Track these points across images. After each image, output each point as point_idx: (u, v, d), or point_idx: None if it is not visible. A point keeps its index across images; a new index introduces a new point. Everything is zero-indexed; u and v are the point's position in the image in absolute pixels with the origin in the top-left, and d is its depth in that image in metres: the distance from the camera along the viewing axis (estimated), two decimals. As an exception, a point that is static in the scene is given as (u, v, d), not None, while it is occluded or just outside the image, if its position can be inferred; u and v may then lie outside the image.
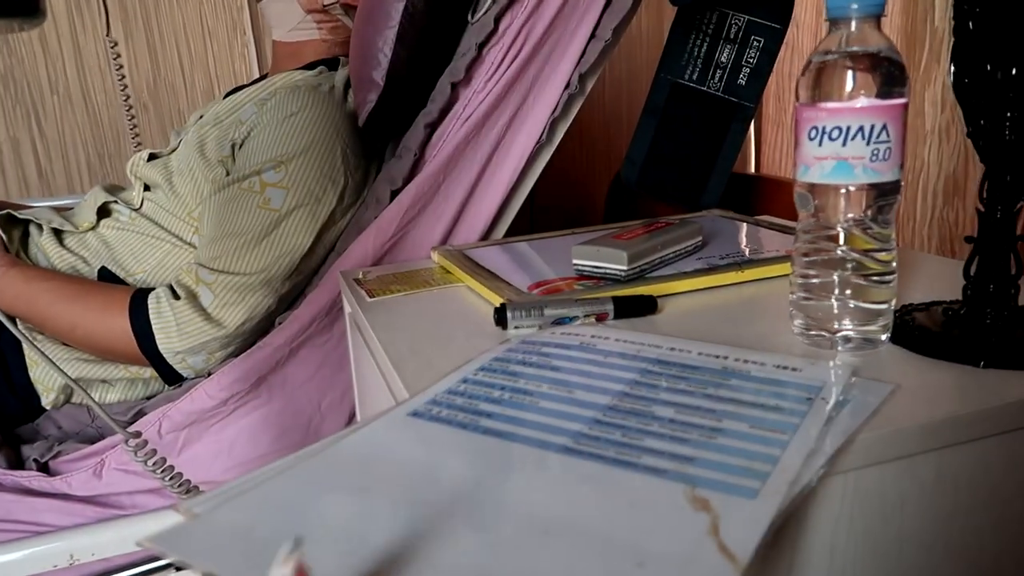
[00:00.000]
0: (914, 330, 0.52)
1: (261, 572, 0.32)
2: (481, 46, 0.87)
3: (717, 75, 1.02)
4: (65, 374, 0.62)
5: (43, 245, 1.02)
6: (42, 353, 0.64)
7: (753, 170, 1.78)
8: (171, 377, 0.94)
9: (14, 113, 1.56)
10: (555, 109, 0.88)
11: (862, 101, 0.47)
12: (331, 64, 1.09)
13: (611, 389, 0.46)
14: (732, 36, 1.00)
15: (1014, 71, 0.47)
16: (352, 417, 0.93)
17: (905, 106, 0.47)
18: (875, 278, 0.50)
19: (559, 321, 0.59)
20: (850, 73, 0.47)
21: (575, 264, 0.68)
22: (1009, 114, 0.48)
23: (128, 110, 1.61)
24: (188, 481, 0.70)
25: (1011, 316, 0.51)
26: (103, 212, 1.06)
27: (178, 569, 0.90)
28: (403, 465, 0.41)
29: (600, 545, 0.32)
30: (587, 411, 0.44)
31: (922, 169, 1.32)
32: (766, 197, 1.23)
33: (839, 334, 0.51)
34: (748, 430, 0.40)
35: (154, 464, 0.68)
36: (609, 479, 0.37)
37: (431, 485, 0.39)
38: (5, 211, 1.03)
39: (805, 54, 1.54)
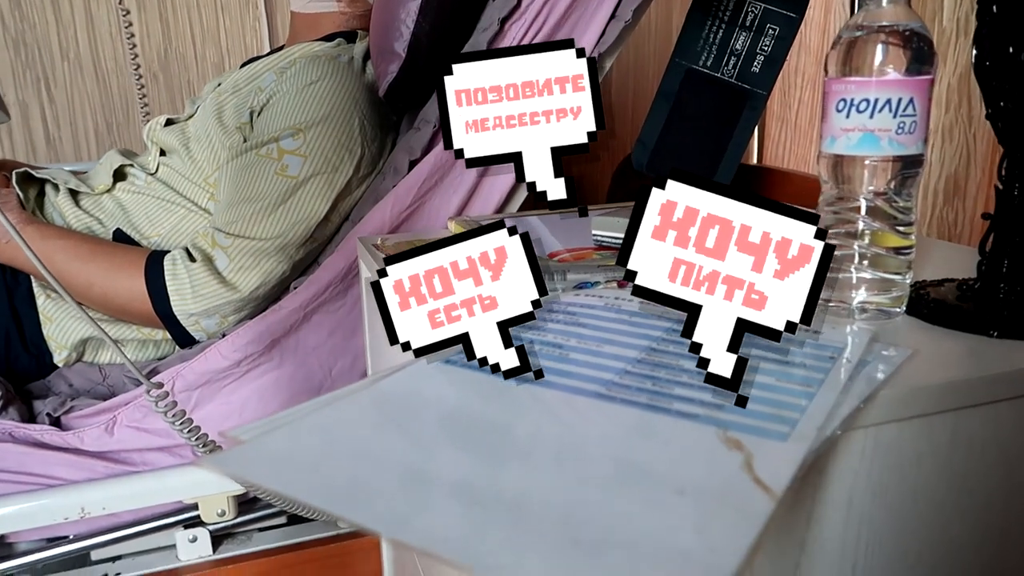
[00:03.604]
0: (929, 303, 0.53)
1: (311, 489, 0.34)
2: (504, 20, 0.88)
3: (731, 62, 1.03)
4: (92, 319, 0.63)
5: (59, 205, 1.02)
6: (72, 299, 0.64)
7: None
8: (183, 339, 0.95)
9: (24, 78, 1.56)
10: (574, 87, 0.89)
11: (891, 75, 0.48)
12: (348, 36, 1.10)
13: (638, 344, 0.48)
14: (748, 24, 1.01)
15: (1037, 52, 0.49)
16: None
17: (931, 82, 0.49)
18: (895, 250, 0.51)
19: (580, 285, 0.60)
20: (880, 47, 0.48)
21: (595, 235, 0.70)
22: (1030, 94, 0.50)
23: (138, 79, 1.62)
24: (206, 435, 0.72)
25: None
26: (119, 175, 1.06)
27: (185, 527, 0.91)
28: (438, 402, 0.42)
29: (639, 474, 0.34)
30: (616, 363, 0.45)
31: (924, 168, 1.34)
32: (770, 187, 1.24)
33: (856, 303, 0.52)
34: (775, 383, 0.42)
35: (173, 416, 0.69)
36: (642, 421, 0.39)
37: (464, 419, 0.40)
38: (23, 169, 1.03)
39: (813, 50, 1.56)
